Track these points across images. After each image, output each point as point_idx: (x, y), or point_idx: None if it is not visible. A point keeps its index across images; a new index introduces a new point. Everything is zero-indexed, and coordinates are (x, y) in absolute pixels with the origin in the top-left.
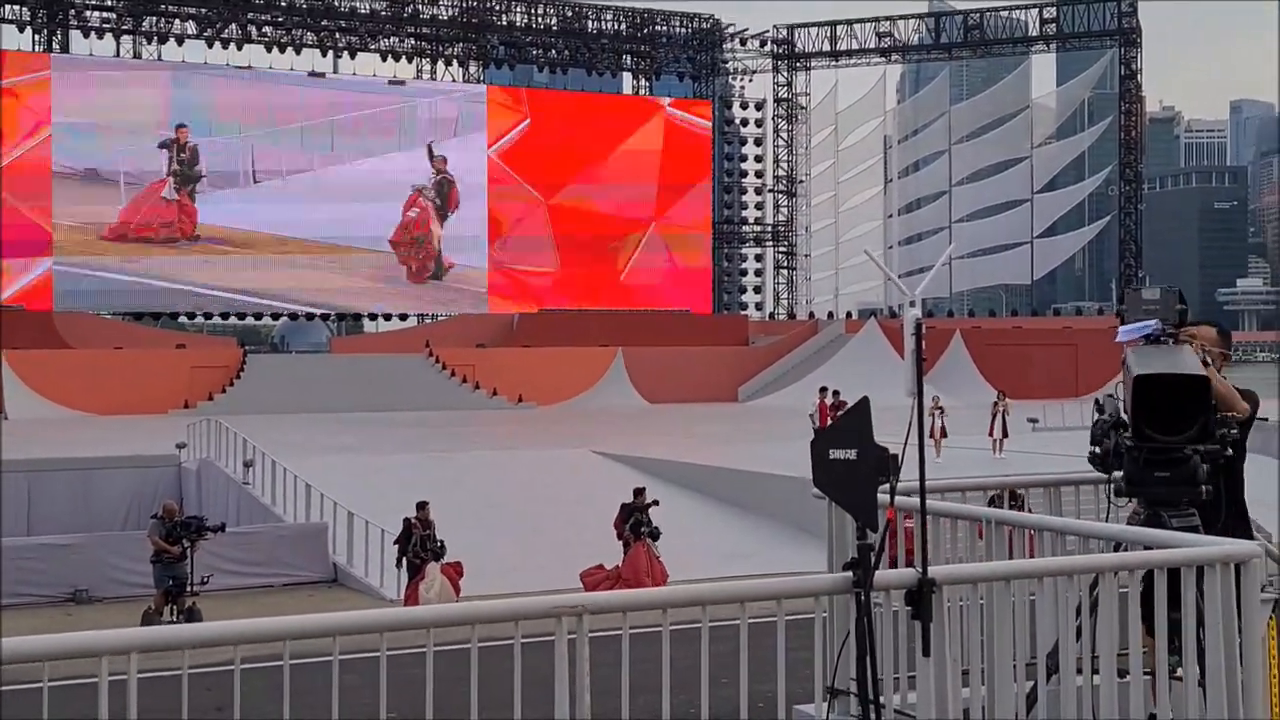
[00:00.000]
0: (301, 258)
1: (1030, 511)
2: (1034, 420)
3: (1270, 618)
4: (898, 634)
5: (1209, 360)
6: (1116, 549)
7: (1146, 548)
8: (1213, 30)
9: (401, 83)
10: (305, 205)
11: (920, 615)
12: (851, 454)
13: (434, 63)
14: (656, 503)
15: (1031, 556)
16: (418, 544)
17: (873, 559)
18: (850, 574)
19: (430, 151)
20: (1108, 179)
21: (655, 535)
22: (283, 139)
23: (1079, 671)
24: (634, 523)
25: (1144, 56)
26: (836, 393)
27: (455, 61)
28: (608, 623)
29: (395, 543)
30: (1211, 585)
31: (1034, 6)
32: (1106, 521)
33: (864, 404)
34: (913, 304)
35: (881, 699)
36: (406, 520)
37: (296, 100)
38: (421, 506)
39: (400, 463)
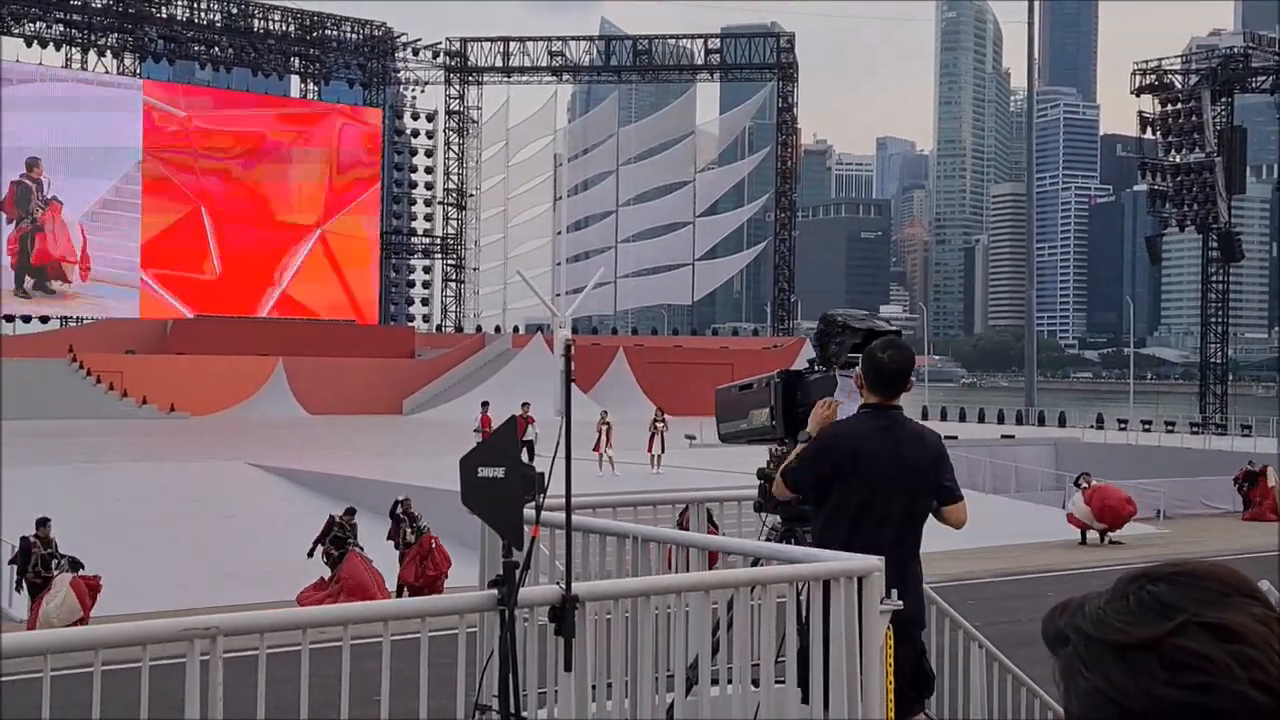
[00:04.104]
0: None
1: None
2: (691, 436)
3: (888, 628)
4: (545, 648)
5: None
6: (755, 564)
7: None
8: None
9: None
10: None
11: (562, 631)
12: (499, 472)
13: (85, 52)
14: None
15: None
16: (38, 564)
17: (518, 575)
18: (495, 591)
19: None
20: (765, 206)
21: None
22: None
23: (715, 683)
24: (335, 538)
25: (800, 91)
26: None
27: (109, 52)
28: (247, 643)
29: (11, 563)
30: (836, 597)
31: (700, 37)
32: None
33: (510, 423)
34: (562, 326)
35: (525, 713)
36: (24, 539)
37: None
38: (42, 524)
39: (36, 475)
